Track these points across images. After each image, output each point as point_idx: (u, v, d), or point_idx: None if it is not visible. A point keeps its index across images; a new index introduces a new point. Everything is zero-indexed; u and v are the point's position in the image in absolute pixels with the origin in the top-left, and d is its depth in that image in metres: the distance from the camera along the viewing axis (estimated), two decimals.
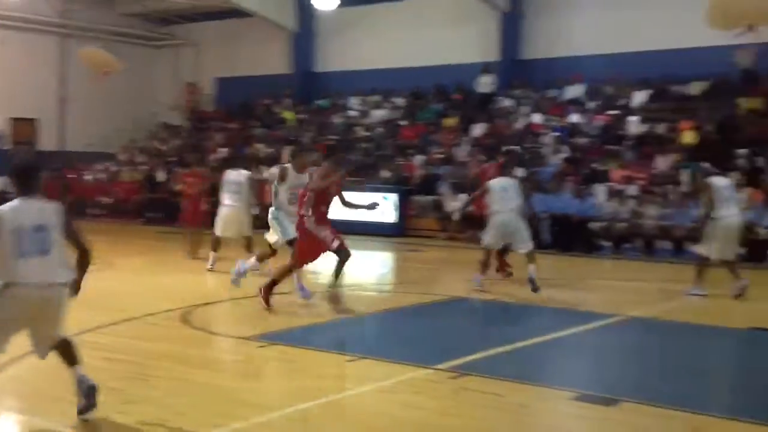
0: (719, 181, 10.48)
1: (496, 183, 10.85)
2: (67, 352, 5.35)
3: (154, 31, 29.36)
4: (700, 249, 10.56)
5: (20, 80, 25.63)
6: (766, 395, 6.43)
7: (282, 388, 6.38)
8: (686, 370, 7.07)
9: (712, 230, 10.33)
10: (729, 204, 10.37)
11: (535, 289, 10.40)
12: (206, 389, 6.15)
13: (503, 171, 11.34)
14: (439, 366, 6.82)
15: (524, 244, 10.73)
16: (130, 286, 11.17)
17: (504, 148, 16.26)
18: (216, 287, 11.24)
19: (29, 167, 5.36)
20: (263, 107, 26.16)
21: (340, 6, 22.41)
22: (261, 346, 7.52)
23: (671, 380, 6.72)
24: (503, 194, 10.71)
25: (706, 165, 11.56)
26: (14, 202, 5.12)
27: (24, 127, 26.60)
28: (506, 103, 21.61)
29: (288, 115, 25.02)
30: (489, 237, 10.91)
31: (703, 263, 10.57)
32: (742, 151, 16.29)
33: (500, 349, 7.64)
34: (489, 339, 8.30)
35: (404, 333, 8.74)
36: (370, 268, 14.78)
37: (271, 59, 26.56)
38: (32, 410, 5.64)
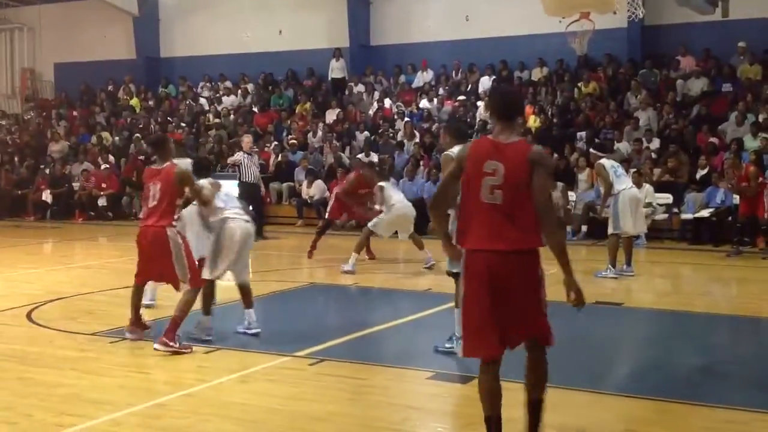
0: (607, 162, 10.93)
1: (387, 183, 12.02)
2: None
3: None
4: (611, 228, 10.78)
5: None
6: (601, 366, 6.80)
7: (135, 383, 6.19)
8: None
9: (618, 206, 10.66)
10: (623, 179, 10.82)
11: (429, 267, 11.24)
12: (54, 389, 5.88)
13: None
14: (297, 353, 6.82)
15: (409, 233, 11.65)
16: None
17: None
18: (64, 283, 10.74)
19: None
20: (106, 94, 25.14)
21: None
22: (112, 342, 7.27)
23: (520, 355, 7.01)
24: (396, 189, 12.28)
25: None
26: None
27: None
28: (358, 89, 21.75)
29: (134, 102, 24.17)
30: (383, 227, 11.53)
31: (614, 242, 10.77)
32: (581, 134, 17.12)
33: (359, 334, 7.72)
34: (348, 324, 8.36)
35: (263, 321, 8.65)
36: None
37: (113, 44, 25.53)
38: None
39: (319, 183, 17.74)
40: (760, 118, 15.95)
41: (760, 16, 17.59)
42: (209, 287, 7.40)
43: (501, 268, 4.29)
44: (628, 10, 14.88)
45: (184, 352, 6.82)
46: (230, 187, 8.92)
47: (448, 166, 5.53)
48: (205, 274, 7.30)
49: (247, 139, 15.82)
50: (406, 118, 19.55)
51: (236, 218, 7.34)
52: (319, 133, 19.96)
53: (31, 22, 27.22)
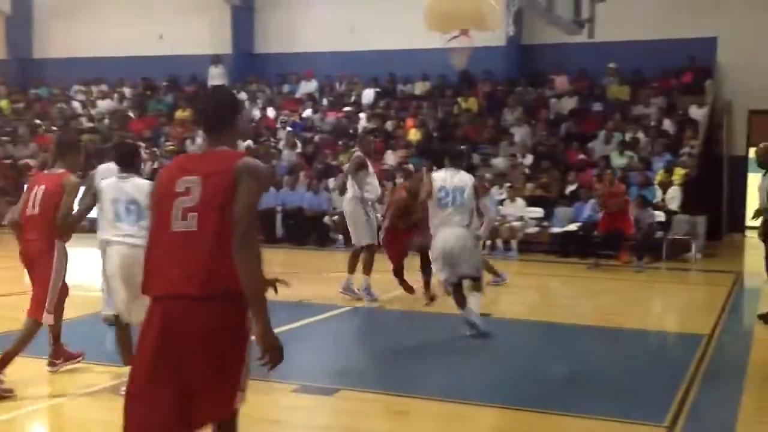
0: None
1: None
2: None
3: None
4: None
5: None
6: (461, 376, 6.90)
7: None
8: (403, 356, 7.43)
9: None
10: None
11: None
12: None
13: None
14: None
15: None
16: None
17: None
18: None
19: None
20: None
21: None
22: None
23: (388, 366, 7.04)
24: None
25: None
26: None
27: None
28: (239, 97, 21.47)
29: (2, 103, 23.08)
30: None
31: None
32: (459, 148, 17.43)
33: None
34: None
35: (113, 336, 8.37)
36: (92, 268, 13.95)
37: None
38: None
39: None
40: (627, 136, 16.68)
41: (629, 39, 18.41)
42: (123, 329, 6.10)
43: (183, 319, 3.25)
44: (507, 28, 15.29)
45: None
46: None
47: None
48: (105, 311, 6.37)
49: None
50: (288, 128, 19.45)
51: (119, 241, 5.96)
52: (198, 140, 19.59)
53: None
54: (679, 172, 15.19)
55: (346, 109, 20.06)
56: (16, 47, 24.26)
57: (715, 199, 16.73)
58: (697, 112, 17.14)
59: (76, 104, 22.65)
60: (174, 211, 3.31)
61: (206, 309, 3.24)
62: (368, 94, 20.42)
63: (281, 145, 19.06)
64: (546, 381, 6.69)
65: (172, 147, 19.37)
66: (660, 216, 14.22)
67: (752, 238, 13.16)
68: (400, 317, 9.44)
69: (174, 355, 3.24)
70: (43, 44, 24.39)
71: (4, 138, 20.63)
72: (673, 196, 14.63)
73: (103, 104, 22.31)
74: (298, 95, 21.22)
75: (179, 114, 21.07)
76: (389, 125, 19.08)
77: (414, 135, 18.30)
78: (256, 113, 20.76)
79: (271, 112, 20.72)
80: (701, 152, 16.10)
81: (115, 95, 22.44)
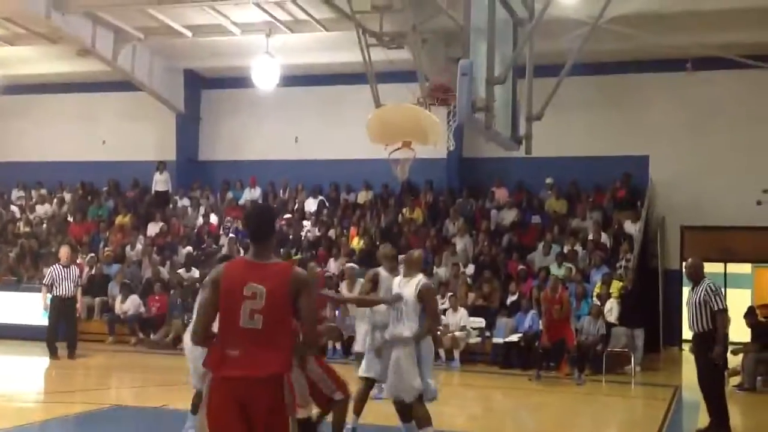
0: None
1: None
2: None
3: None
4: None
5: None
6: None
7: None
8: None
9: None
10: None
11: None
12: None
13: None
14: None
15: None
16: None
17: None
18: None
19: None
20: None
21: (3, 94, 20.95)
22: None
23: None
24: None
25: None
26: None
27: None
28: (183, 203, 21.44)
29: None
30: None
31: None
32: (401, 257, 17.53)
33: None
34: None
35: None
36: (23, 376, 13.48)
37: None
38: None
39: (134, 298, 17.06)
40: (565, 249, 17.02)
41: (565, 155, 19.03)
42: None
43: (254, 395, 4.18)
44: (447, 142, 15.69)
45: None
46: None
47: None
48: None
49: (64, 251, 14.97)
50: (231, 234, 19.38)
51: None
52: (138, 246, 19.37)
53: None
54: (616, 285, 15.48)
55: (289, 216, 20.12)
56: None
57: (652, 311, 17.01)
58: (631, 227, 17.63)
59: (14, 208, 22.28)
60: (242, 310, 4.20)
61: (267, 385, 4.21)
62: (311, 202, 20.57)
63: (224, 250, 18.93)
64: None
65: (109, 252, 19.09)
66: (601, 328, 14.35)
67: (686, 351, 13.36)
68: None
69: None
70: None
71: None
72: (611, 309, 14.85)
73: (42, 209, 22.00)
74: (241, 202, 21.26)
75: (119, 219, 20.85)
76: (332, 233, 19.17)
77: (356, 243, 18.40)
78: (199, 220, 20.68)
79: (214, 218, 20.67)
80: (637, 265, 16.47)
81: (55, 200, 22.17)
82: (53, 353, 13.98)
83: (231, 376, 4.16)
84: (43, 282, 14.48)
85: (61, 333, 14.22)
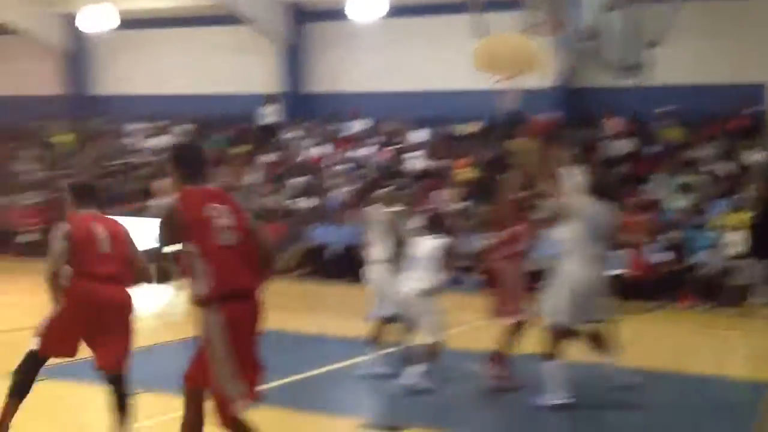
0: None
1: None
2: None
3: None
4: None
5: None
6: (532, 415, 6.82)
7: (58, 425, 5.94)
8: (474, 396, 7.36)
9: None
10: None
11: None
12: None
13: None
14: None
15: None
16: None
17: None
18: None
19: None
20: (33, 129, 24.57)
21: (118, 28, 21.60)
22: (41, 379, 6.92)
23: (455, 406, 6.99)
24: None
25: None
26: None
27: None
28: (290, 134, 21.77)
29: (62, 138, 23.66)
30: None
31: None
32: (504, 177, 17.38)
33: (285, 380, 7.59)
34: (276, 369, 8.10)
35: (182, 365, 8.42)
36: (155, 298, 14.17)
37: (43, 79, 25.01)
38: None
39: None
40: (682, 180, 16.50)
41: (679, 83, 18.31)
42: None
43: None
44: (555, 72, 15.33)
45: None
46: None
47: None
48: None
49: (158, 185, 15.61)
50: (338, 166, 19.60)
51: None
52: (250, 177, 19.85)
53: None
54: (739, 217, 14.96)
55: (394, 148, 20.17)
56: (74, 84, 24.91)
57: None
58: (752, 156, 16.93)
59: (130, 140, 23.13)
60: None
61: None
62: (418, 134, 20.53)
63: (330, 183, 19.21)
64: (608, 427, 6.58)
65: (223, 184, 19.64)
66: (723, 261, 14.01)
67: None
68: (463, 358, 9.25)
69: None
70: (101, 81, 25.01)
71: (66, 171, 21.06)
72: (733, 240, 14.39)
73: (157, 141, 22.76)
74: (346, 134, 21.43)
75: (232, 151, 21.38)
76: (440, 165, 19.14)
77: (466, 174, 18.33)
78: (307, 152, 20.98)
79: (320, 151, 20.92)
80: (761, 196, 15.84)
81: (169, 132, 22.88)
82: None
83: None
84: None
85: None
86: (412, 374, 7.35)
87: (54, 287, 5.61)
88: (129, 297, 5.94)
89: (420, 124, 20.78)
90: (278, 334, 10.15)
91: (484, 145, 19.47)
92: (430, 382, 7.40)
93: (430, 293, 7.43)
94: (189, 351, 7.75)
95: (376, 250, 8.03)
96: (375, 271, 8.00)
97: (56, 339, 5.71)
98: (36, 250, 18.63)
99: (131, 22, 22.67)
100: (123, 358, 5.79)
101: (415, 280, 7.40)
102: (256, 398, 4.56)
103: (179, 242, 4.45)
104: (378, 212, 8.21)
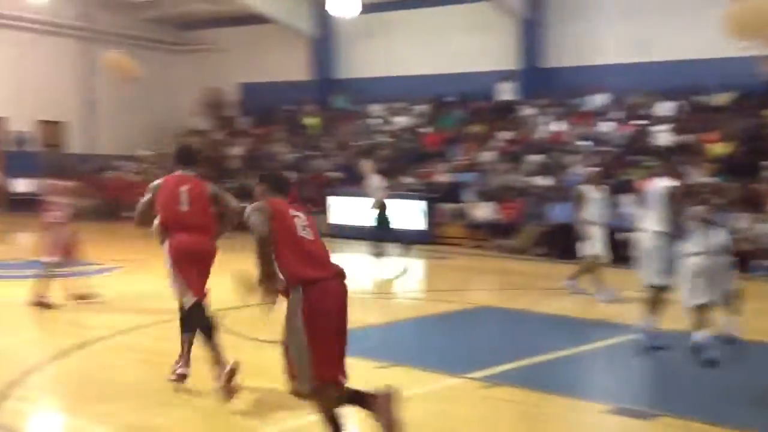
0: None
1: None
2: None
3: (175, 36, 29.52)
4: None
5: (46, 83, 25.90)
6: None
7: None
8: (724, 385, 6.99)
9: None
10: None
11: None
12: (244, 393, 6.15)
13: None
14: (470, 375, 6.81)
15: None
16: (161, 288, 11.02)
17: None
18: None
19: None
20: (286, 113, 26.29)
21: (360, 13, 22.47)
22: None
23: (710, 395, 6.67)
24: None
25: None
26: None
27: (51, 129, 26.83)
28: (528, 111, 21.58)
29: (311, 121, 25.12)
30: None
31: None
32: (766, 163, 16.16)
33: (532, 360, 7.61)
34: (520, 349, 8.24)
35: (433, 341, 8.74)
36: (398, 275, 14.77)
37: (292, 65, 26.68)
38: (68, 410, 5.68)
39: (488, 204, 17.71)
40: None
41: None
42: None
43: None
44: None
45: None
46: None
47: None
48: None
49: (368, 165, 16.11)
50: (581, 142, 19.16)
51: None
52: (489, 154, 19.94)
53: (218, 43, 28.93)
54: None
55: (640, 122, 19.36)
56: (321, 68, 26.29)
57: None
58: None
59: (374, 121, 24.05)
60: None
61: None
62: (664, 107, 19.56)
63: (572, 159, 18.83)
64: None
65: (463, 161, 19.92)
66: None
67: None
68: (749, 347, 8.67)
69: None
70: (345, 65, 26.20)
71: (314, 153, 22.42)
72: None
73: (399, 120, 23.48)
74: (588, 109, 20.87)
75: (470, 129, 21.61)
76: (687, 139, 18.13)
77: (719, 149, 17.23)
78: (548, 128, 20.70)
79: (562, 127, 20.55)
80: None
81: (410, 112, 23.53)
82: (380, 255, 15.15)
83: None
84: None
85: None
86: (703, 341, 7.26)
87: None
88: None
89: (666, 96, 19.78)
90: (523, 315, 10.23)
91: (737, 117, 18.18)
92: (716, 355, 7.18)
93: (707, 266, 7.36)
94: (437, 326, 8.01)
95: (651, 222, 8.00)
96: (648, 240, 7.95)
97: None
98: None
99: (373, 6, 23.50)
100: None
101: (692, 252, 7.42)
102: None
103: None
104: (657, 185, 8.11)
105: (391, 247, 14.89)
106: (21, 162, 24.84)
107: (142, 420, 5.33)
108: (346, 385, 4.78)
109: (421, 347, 8.48)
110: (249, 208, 4.74)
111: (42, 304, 9.42)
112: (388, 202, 15.07)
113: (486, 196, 18.05)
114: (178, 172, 6.53)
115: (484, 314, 10.34)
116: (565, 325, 9.76)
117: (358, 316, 9.22)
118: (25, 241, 18.21)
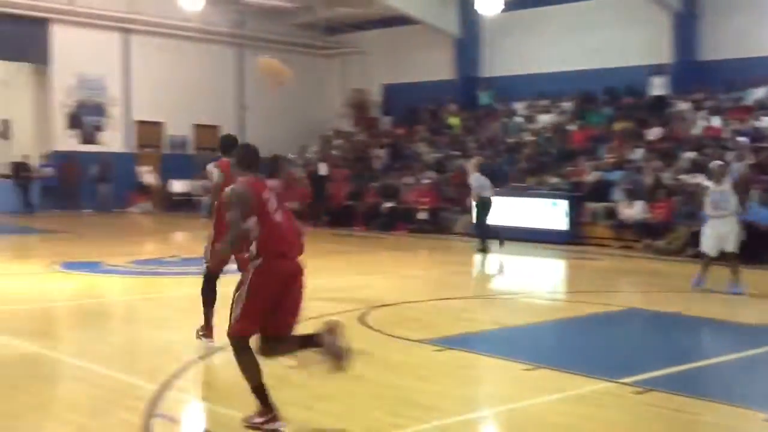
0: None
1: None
2: None
3: (323, 40, 30.27)
4: None
5: (201, 89, 27.18)
6: None
7: (459, 393, 6.37)
8: None
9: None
10: None
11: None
12: (385, 389, 6.24)
13: None
14: (621, 380, 6.58)
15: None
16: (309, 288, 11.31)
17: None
18: (388, 290, 11.38)
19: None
20: (428, 113, 26.41)
21: (504, 10, 22.26)
22: (436, 350, 7.54)
23: None
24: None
25: None
26: None
27: (206, 133, 28.13)
28: (681, 106, 20.69)
29: (453, 120, 25.11)
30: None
31: None
32: None
33: (686, 365, 7.30)
34: (673, 353, 7.92)
35: (580, 343, 8.53)
36: (541, 276, 14.56)
37: (436, 65, 26.78)
38: (224, 401, 5.91)
39: (638, 203, 17.10)
40: None
41: None
42: None
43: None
44: None
45: None
46: None
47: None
48: None
49: (473, 161, 17.05)
50: (739, 138, 18.18)
51: None
52: (639, 151, 19.27)
53: (362, 46, 29.45)
54: None
55: None
56: (465, 67, 26.22)
57: None
58: None
59: (519, 119, 23.76)
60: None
61: None
62: None
63: (729, 155, 17.89)
64: None
65: (611, 159, 19.34)
66: None
67: None
68: None
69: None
70: (489, 63, 26.02)
71: (455, 152, 22.41)
72: None
73: (544, 118, 23.09)
74: (747, 103, 19.78)
75: (618, 126, 20.96)
76: None
77: None
78: (702, 123, 19.78)
79: (718, 122, 19.59)
80: None
81: (555, 109, 23.09)
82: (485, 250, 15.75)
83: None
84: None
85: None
86: None
87: None
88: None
89: None
90: (676, 318, 9.82)
91: None
92: None
93: None
94: (583, 328, 7.84)
95: None
96: None
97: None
98: (427, 227, 20.13)
99: (517, 2, 23.24)
100: None
101: None
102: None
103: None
104: None
105: (491, 244, 15.83)
106: (177, 164, 26.23)
107: (289, 415, 5.48)
108: (292, 333, 5.37)
109: (567, 349, 8.30)
110: (229, 190, 5.30)
111: None
112: (490, 200, 16.07)
113: (635, 194, 17.43)
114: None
115: (632, 316, 9.99)
116: (722, 329, 9.30)
117: (502, 317, 9.29)
118: (181, 240, 19.20)
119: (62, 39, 24.91)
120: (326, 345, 5.32)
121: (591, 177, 18.93)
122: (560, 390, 6.33)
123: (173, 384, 6.26)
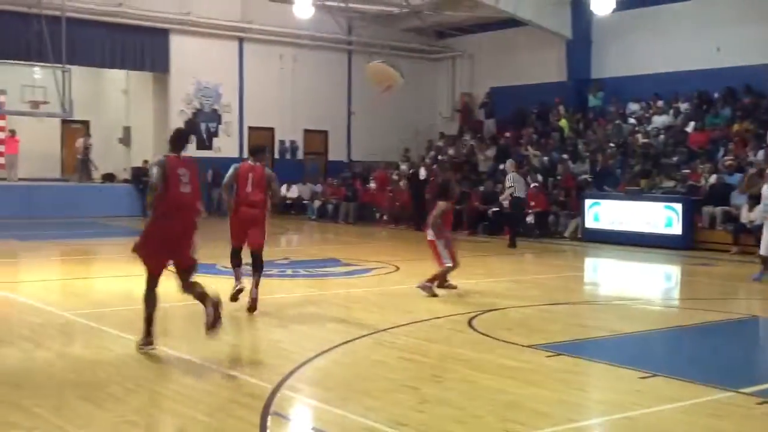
0: None
1: None
2: None
3: (431, 44, 30.32)
4: None
5: (311, 95, 27.69)
6: None
7: (572, 399, 6.25)
8: None
9: None
10: None
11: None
12: (498, 395, 6.18)
13: None
14: (744, 390, 6.33)
15: None
16: (413, 289, 11.35)
17: None
18: (497, 294, 11.27)
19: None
20: (537, 115, 26.06)
21: (616, 10, 21.73)
22: (549, 356, 7.43)
23: None
24: None
25: None
26: None
27: (315, 138, 28.63)
28: None
29: (562, 122, 24.69)
30: None
31: None
32: None
33: None
34: None
35: (698, 352, 8.24)
36: (655, 282, 14.16)
37: (544, 67, 26.40)
38: (336, 402, 6.00)
39: (760, 207, 16.33)
40: None
41: None
42: None
43: None
44: None
45: None
46: None
47: None
48: None
49: (509, 163, 18.05)
50: None
51: None
52: (761, 153, 18.47)
53: (470, 49, 29.35)
54: None
55: None
56: (575, 69, 25.74)
57: None
58: None
59: (632, 120, 23.16)
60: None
61: None
62: None
63: None
64: None
65: (730, 161, 18.60)
66: None
67: None
68: None
69: None
70: (600, 64, 25.47)
71: (565, 155, 22.04)
72: None
73: (659, 120, 22.43)
74: None
75: (737, 126, 20.15)
76: None
77: None
78: None
79: None
80: None
81: (671, 110, 22.40)
82: None
83: None
84: None
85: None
86: None
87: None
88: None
89: None
90: None
91: None
92: None
93: None
94: (701, 337, 7.56)
95: None
96: None
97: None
98: (535, 231, 19.83)
99: (631, 1, 22.68)
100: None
101: None
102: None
103: None
104: None
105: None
106: (288, 169, 26.79)
107: (401, 417, 5.51)
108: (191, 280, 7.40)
109: (684, 358, 8.03)
110: (153, 160, 7.24)
111: (449, 287, 10.90)
112: (522, 200, 17.60)
113: (756, 198, 16.66)
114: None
115: (754, 326, 9.58)
116: None
117: (614, 324, 9.06)
118: (293, 243, 19.59)
119: (180, 48, 25.87)
120: (207, 313, 7.14)
121: (709, 180, 18.27)
122: (678, 399, 6.13)
123: (288, 383, 6.40)
